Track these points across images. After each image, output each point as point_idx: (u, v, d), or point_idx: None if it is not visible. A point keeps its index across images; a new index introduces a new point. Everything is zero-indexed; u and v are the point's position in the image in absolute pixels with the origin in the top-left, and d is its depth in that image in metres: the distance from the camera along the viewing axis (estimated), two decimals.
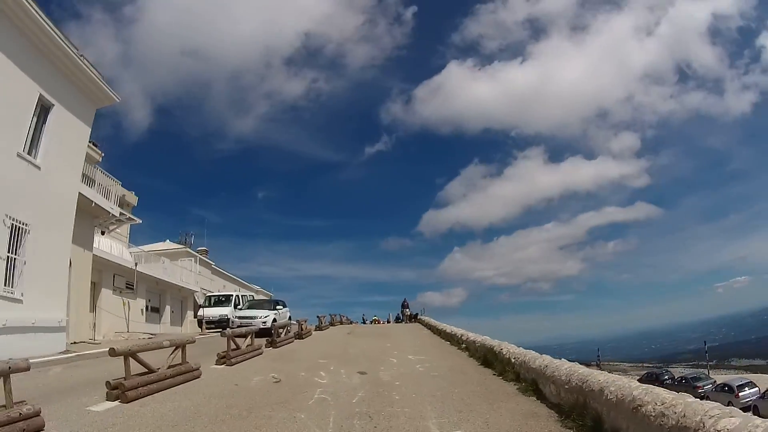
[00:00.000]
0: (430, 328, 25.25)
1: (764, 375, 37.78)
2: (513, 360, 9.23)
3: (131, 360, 7.53)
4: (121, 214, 25.36)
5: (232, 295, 26.11)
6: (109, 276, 22.26)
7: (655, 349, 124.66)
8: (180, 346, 9.51)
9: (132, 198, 29.95)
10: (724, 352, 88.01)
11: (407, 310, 38.55)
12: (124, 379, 7.29)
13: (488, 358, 10.92)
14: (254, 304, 23.39)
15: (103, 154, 28.32)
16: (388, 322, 44.41)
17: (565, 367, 6.65)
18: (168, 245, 38.38)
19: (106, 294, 21.85)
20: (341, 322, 33.66)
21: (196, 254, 36.12)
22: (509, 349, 10.08)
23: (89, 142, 27.21)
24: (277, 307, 22.21)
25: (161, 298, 27.82)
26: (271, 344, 15.87)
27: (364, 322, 43.98)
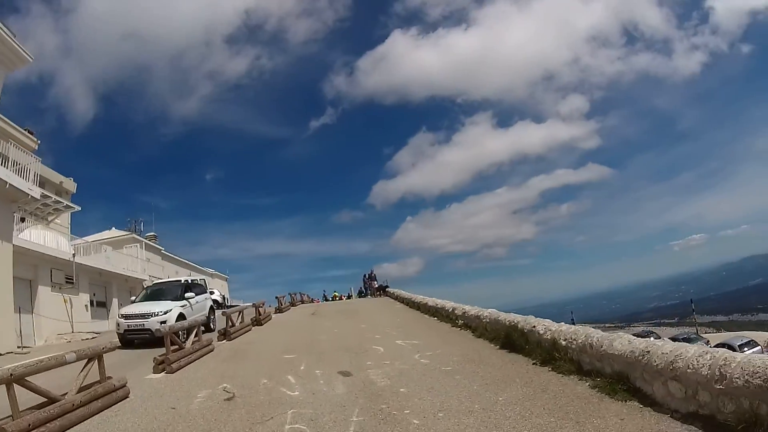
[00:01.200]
0: (403, 302, 22.38)
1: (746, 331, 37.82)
2: (564, 343, 6.57)
3: (23, 387, 4.96)
4: (56, 201, 21.74)
5: (179, 282, 22.01)
6: (45, 271, 18.85)
7: (615, 309, 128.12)
8: (93, 358, 6.44)
9: (70, 185, 26.28)
10: (684, 310, 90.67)
11: (374, 282, 34.44)
12: (11, 418, 4.77)
13: (513, 340, 8.27)
14: (155, 293, 14.84)
15: (39, 142, 25.00)
16: (350, 297, 41.09)
17: (694, 351, 4.03)
18: (114, 233, 34.26)
19: (44, 292, 18.26)
20: (302, 302, 30.56)
21: (142, 239, 32.04)
22: (548, 326, 7.45)
23: (23, 129, 23.51)
24: (187, 295, 14.23)
25: (107, 290, 23.93)
26: (224, 336, 12.85)
27: (326, 300, 40.96)
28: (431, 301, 16.40)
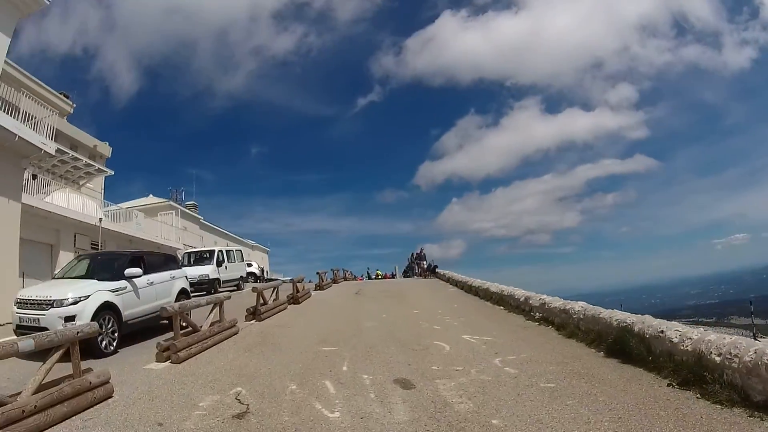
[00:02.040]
0: (456, 285, 20.02)
1: None
2: (718, 359, 4.33)
3: None
4: (87, 164, 20.70)
5: (214, 251, 20.93)
6: (68, 236, 18.10)
7: (655, 303, 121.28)
8: (61, 346, 4.72)
9: (105, 149, 25.40)
10: (723, 310, 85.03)
11: (423, 261, 30.67)
12: None
13: (627, 348, 5.99)
14: (86, 266, 9.15)
15: (74, 106, 24.25)
16: (393, 276, 39.23)
17: None
18: (151, 200, 33.44)
19: (65, 257, 17.21)
20: (345, 278, 28.82)
21: (178, 206, 30.99)
22: (685, 333, 5.23)
23: (59, 93, 22.77)
24: (129, 271, 8.77)
25: None
26: (254, 315, 11.11)
27: (369, 278, 39.34)
28: (494, 286, 14.12)
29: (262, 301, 11.63)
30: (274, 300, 12.78)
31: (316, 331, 9.39)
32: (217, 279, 19.47)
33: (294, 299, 14.79)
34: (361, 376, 5.73)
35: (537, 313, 9.71)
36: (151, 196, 34.93)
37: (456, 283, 20.45)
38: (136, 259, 9.38)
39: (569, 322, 8.15)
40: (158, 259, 10.65)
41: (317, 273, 22.61)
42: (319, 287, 21.17)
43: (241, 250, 23.55)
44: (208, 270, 19.34)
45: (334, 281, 25.27)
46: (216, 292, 18.27)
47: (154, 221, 25.44)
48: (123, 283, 8.57)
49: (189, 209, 39.59)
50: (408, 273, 34.90)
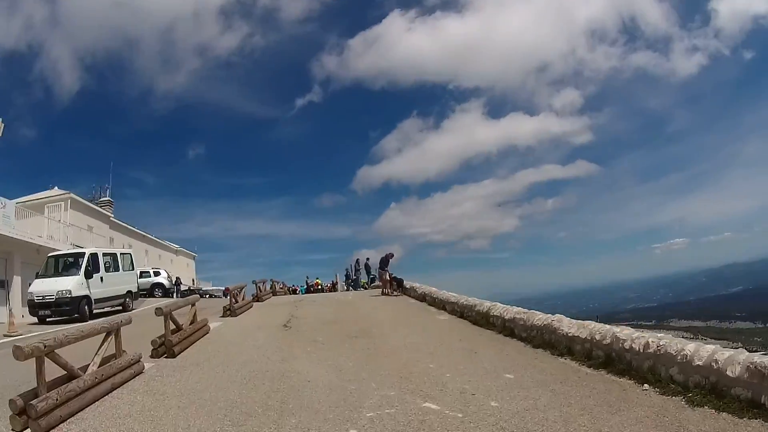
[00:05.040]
0: (444, 307, 13.09)
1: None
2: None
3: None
4: None
5: (83, 254, 15.65)
6: None
7: (593, 307, 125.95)
8: None
9: None
10: (662, 313, 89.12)
11: (386, 270, 19.53)
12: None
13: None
14: None
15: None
16: (335, 286, 34.01)
17: None
18: (49, 193, 27.61)
19: None
20: (274, 292, 22.13)
21: (67, 198, 25.32)
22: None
23: None
24: None
25: (7, 264, 17.85)
26: (163, 349, 7.52)
27: (308, 290, 33.96)
28: (542, 318, 7.93)
29: (173, 326, 8.02)
30: (191, 324, 9.14)
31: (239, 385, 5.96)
32: (86, 297, 14.64)
33: (229, 310, 13.32)
34: None
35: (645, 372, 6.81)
36: (55, 188, 28.71)
37: (442, 305, 13.39)
38: None
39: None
40: None
41: (254, 282, 19.00)
42: (257, 299, 17.99)
43: (130, 254, 18.49)
44: (69, 283, 14.38)
45: (273, 293, 21.73)
46: (84, 316, 14.10)
47: (40, 217, 20.35)
48: None
49: (102, 206, 33.98)
50: (352, 283, 29.84)
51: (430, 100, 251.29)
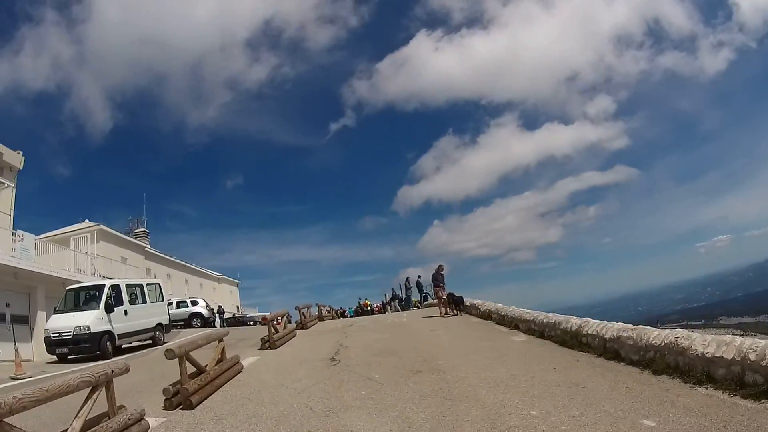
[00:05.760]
0: (517, 326, 11.15)
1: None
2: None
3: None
4: None
5: (103, 286, 14.25)
6: None
7: (642, 311, 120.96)
8: None
9: (13, 157, 19.68)
10: (710, 311, 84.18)
11: (442, 286, 17.17)
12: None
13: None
14: None
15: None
16: (385, 306, 31.23)
17: None
18: (80, 226, 27.07)
19: None
20: (321, 317, 20.42)
21: (95, 229, 24.35)
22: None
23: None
24: None
25: (30, 299, 16.86)
26: (178, 399, 5.96)
27: (358, 312, 31.30)
28: (660, 335, 6.07)
29: (194, 369, 6.44)
30: (218, 363, 7.54)
31: None
32: (107, 332, 13.29)
33: (269, 342, 11.55)
34: None
35: None
36: (86, 221, 28.23)
37: (513, 323, 11.56)
38: None
39: None
40: None
41: (296, 308, 17.52)
42: (302, 326, 16.47)
43: (158, 284, 16.98)
44: (88, 318, 13.03)
45: (320, 318, 20.22)
46: (105, 353, 12.80)
47: (67, 250, 19.43)
48: None
49: (138, 237, 33.52)
50: (402, 302, 28.11)
51: (464, 117, 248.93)
